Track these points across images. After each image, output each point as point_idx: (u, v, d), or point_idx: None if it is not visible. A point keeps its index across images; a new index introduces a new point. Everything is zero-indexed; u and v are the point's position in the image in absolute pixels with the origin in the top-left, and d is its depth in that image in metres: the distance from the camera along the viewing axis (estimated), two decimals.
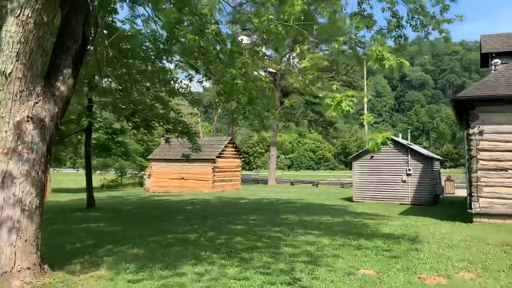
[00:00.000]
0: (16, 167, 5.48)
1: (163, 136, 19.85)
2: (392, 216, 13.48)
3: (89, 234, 9.97)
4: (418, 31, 8.62)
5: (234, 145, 32.36)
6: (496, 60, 13.83)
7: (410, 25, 8.63)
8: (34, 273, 5.49)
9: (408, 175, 18.44)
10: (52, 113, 5.95)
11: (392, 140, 17.69)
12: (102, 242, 8.70)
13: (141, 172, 35.71)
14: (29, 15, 5.37)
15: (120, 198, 22.71)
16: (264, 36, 6.96)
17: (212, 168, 28.05)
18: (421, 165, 18.37)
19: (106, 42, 8.15)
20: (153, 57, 10.20)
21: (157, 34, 9.26)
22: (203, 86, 12.18)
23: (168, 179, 29.19)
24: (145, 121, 15.28)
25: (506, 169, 11.39)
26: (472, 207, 11.55)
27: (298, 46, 6.59)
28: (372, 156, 18.99)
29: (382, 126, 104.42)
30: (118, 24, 9.77)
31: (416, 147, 21.99)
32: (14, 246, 5.36)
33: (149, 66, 10.70)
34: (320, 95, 6.90)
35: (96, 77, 11.84)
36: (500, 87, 11.82)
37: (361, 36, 8.88)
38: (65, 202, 20.38)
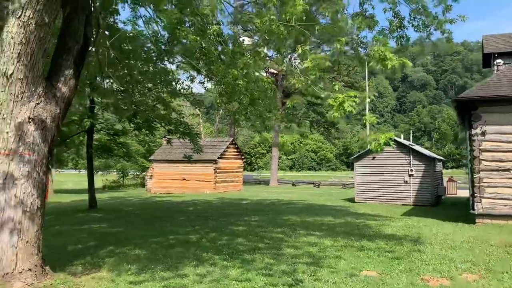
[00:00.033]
0: (17, 168, 5.47)
1: (165, 137, 19.85)
2: (394, 217, 13.44)
3: (91, 235, 9.97)
4: (420, 32, 8.61)
5: (236, 146, 32.33)
6: (498, 61, 13.78)
7: (412, 26, 8.61)
8: (35, 274, 5.48)
9: (410, 175, 18.39)
10: (54, 114, 5.94)
11: (394, 140, 17.58)
12: (103, 243, 8.69)
13: (143, 173, 35.76)
14: (31, 16, 5.36)
15: (122, 199, 22.73)
16: (266, 37, 6.95)
17: (214, 169, 28.02)
18: (423, 165, 18.31)
19: (107, 43, 8.15)
20: (154, 58, 10.19)
21: (159, 35, 9.26)
22: (205, 87, 12.11)
23: (169, 180, 29.17)
24: (147, 122, 15.29)
25: (508, 170, 11.34)
26: (475, 208, 11.50)
27: (300, 47, 6.57)
28: (374, 157, 18.95)
29: (384, 126, 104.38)
30: (120, 25, 9.80)
31: (418, 147, 21.91)
32: (16, 248, 5.35)
33: (150, 67, 10.69)
34: (322, 95, 6.89)
35: (97, 78, 11.82)
36: (502, 87, 11.78)
37: (363, 37, 8.90)
38: (67, 203, 20.42)
